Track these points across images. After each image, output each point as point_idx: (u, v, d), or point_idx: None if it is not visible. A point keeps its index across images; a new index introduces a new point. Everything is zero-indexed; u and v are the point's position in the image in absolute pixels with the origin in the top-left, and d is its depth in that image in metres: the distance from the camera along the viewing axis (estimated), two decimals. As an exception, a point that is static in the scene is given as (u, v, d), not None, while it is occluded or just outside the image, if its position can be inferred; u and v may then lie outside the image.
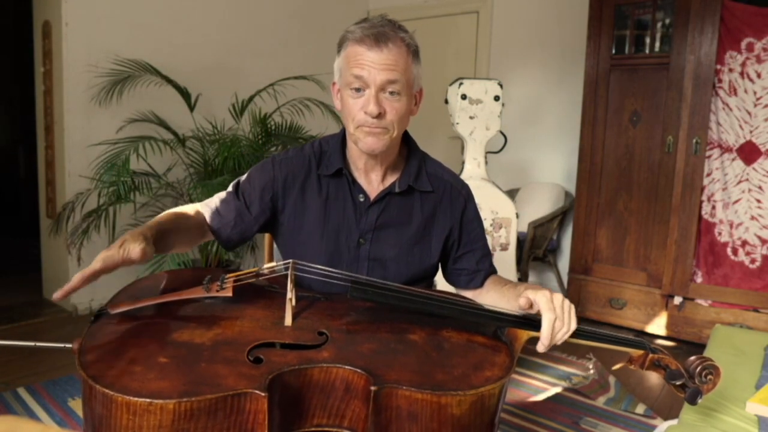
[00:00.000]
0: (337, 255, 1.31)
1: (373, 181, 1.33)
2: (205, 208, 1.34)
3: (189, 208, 1.33)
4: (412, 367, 0.95)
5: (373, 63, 1.17)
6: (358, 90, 1.20)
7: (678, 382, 1.16)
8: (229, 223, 1.32)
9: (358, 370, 0.91)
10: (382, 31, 1.18)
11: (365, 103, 1.19)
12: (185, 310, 1.07)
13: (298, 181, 1.33)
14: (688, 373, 1.16)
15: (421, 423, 0.90)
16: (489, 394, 0.93)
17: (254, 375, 0.87)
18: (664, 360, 1.17)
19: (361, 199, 1.31)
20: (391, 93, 1.20)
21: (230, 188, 1.36)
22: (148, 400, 0.79)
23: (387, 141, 1.24)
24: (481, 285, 1.44)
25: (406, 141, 1.38)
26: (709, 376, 1.15)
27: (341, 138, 1.35)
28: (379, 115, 1.19)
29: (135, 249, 1.01)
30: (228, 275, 1.14)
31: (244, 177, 1.37)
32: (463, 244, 1.42)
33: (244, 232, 1.34)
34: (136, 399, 0.79)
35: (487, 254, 1.46)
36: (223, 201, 1.34)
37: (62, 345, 1.06)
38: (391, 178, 1.34)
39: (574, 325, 1.07)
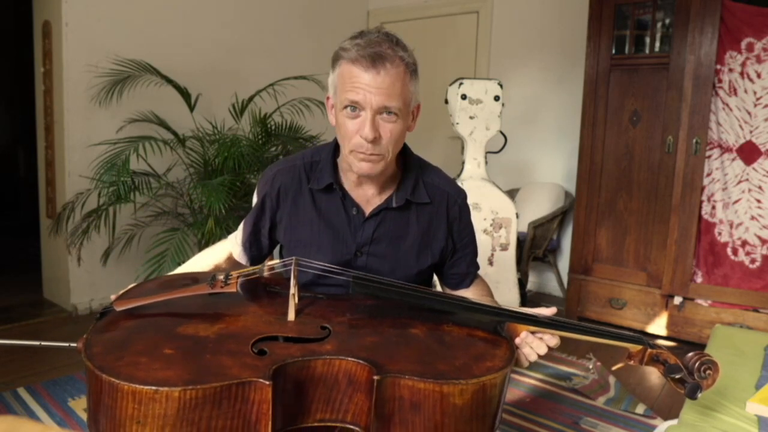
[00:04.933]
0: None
1: (367, 194, 1.31)
2: (235, 245, 1.43)
3: (220, 255, 1.45)
4: (414, 358, 0.96)
5: (368, 86, 1.13)
6: (353, 109, 1.17)
7: (677, 376, 1.16)
8: (246, 248, 1.41)
9: (361, 361, 0.92)
10: (379, 52, 1.13)
11: (361, 126, 1.16)
12: (190, 306, 1.08)
13: (290, 195, 1.33)
14: (687, 368, 1.16)
15: (423, 413, 0.90)
16: (491, 384, 0.94)
17: (258, 365, 0.88)
18: (662, 355, 1.17)
19: (354, 213, 1.30)
20: (388, 113, 1.17)
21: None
22: (153, 387, 0.80)
23: (382, 166, 1.22)
24: (469, 286, 1.47)
25: (402, 150, 1.34)
26: (708, 371, 1.16)
27: (333, 149, 1.33)
28: (375, 139, 1.17)
29: None
30: (233, 273, 1.14)
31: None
32: (457, 250, 1.42)
33: (260, 249, 1.42)
34: (141, 387, 0.80)
35: (476, 255, 1.47)
36: (241, 229, 1.43)
37: (67, 344, 1.06)
38: (388, 192, 1.32)
39: (543, 350, 1.13)
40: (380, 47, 1.14)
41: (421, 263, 1.34)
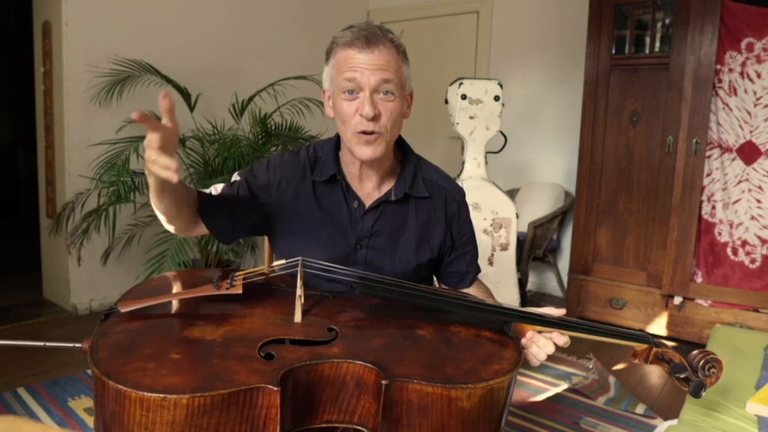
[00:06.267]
0: (333, 260, 1.29)
1: (367, 188, 1.33)
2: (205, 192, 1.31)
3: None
4: (421, 362, 0.96)
5: (365, 65, 1.17)
6: (351, 92, 1.20)
7: (682, 376, 1.17)
8: (220, 208, 1.28)
9: (369, 365, 0.92)
10: (372, 32, 1.18)
11: (360, 105, 1.19)
12: (195, 308, 1.07)
13: (292, 186, 1.33)
14: (692, 366, 1.16)
15: (431, 417, 0.90)
16: (498, 387, 0.94)
17: (266, 370, 0.88)
18: (667, 354, 1.18)
19: (356, 206, 1.31)
20: (385, 93, 1.20)
21: (233, 178, 1.35)
22: (161, 395, 0.79)
23: (383, 147, 1.24)
24: (469, 285, 1.47)
25: (401, 145, 1.38)
26: (712, 370, 1.16)
27: (335, 143, 1.35)
28: (375, 117, 1.19)
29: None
30: (238, 273, 1.14)
31: (246, 170, 1.36)
32: (456, 248, 1.43)
33: (233, 224, 1.30)
34: (149, 394, 0.79)
35: (476, 256, 1.48)
36: (222, 188, 1.32)
37: (72, 345, 1.06)
38: (387, 185, 1.34)
39: (551, 348, 1.13)
40: (371, 30, 1.19)
41: (419, 257, 1.35)
